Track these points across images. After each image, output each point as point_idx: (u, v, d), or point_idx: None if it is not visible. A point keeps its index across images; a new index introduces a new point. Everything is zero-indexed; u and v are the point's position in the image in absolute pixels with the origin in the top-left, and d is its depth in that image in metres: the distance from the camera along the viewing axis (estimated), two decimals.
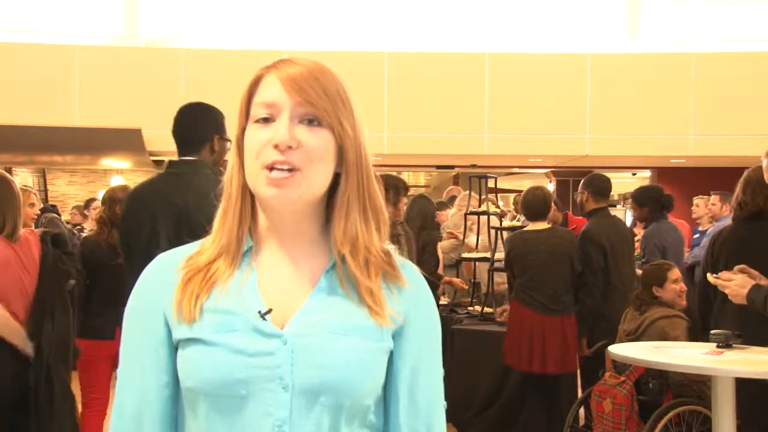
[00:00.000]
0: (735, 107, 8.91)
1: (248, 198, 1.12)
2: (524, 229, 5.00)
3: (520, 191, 12.62)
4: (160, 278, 1.13)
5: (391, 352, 1.13)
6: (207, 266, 1.11)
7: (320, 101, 1.08)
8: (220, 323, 1.07)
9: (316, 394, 1.06)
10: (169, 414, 1.12)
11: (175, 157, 2.93)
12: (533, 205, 4.80)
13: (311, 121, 1.08)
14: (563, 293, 4.66)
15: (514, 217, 9.63)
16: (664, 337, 4.00)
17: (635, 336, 4.14)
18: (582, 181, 5.05)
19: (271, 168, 1.06)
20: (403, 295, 1.14)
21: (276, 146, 1.06)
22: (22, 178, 11.74)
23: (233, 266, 1.11)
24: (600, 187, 4.99)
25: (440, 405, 1.18)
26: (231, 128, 1.15)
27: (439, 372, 1.19)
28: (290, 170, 1.06)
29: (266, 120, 1.08)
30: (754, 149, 3.64)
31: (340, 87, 1.11)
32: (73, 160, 10.97)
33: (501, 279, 5.77)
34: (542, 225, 4.80)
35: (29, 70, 8.72)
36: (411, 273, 1.17)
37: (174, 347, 1.11)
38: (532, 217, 4.83)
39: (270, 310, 1.08)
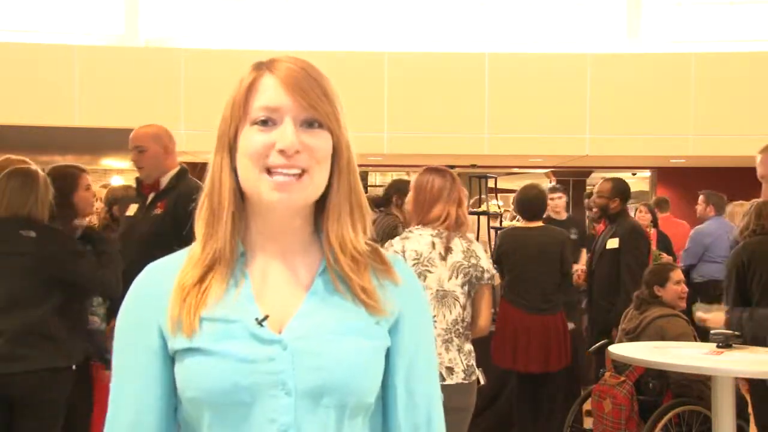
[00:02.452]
0: (735, 107, 8.90)
1: (240, 202, 1.11)
2: (517, 226, 5.00)
3: None
4: (153, 289, 1.12)
5: (388, 348, 1.13)
6: (202, 278, 1.10)
7: (322, 104, 1.08)
8: (219, 332, 1.06)
9: (319, 396, 1.06)
10: (164, 427, 1.11)
11: None
12: (529, 204, 4.80)
13: (312, 124, 1.08)
14: (551, 293, 4.65)
15: (513, 217, 9.64)
16: (662, 336, 4.01)
17: (634, 335, 4.15)
18: (611, 186, 5.10)
19: (273, 172, 1.06)
20: (395, 290, 1.15)
21: (282, 152, 1.05)
22: None
23: (228, 274, 1.10)
24: (628, 194, 5.20)
25: (437, 396, 1.19)
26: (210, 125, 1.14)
27: (435, 364, 1.21)
28: (297, 174, 1.06)
29: (265, 122, 1.08)
30: (754, 149, 3.65)
31: (332, 86, 1.11)
32: (73, 160, 10.94)
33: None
34: (535, 223, 4.80)
35: (29, 70, 8.71)
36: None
37: (169, 359, 1.10)
38: (528, 216, 4.83)
39: (267, 317, 1.08)
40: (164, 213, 3.51)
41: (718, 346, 3.51)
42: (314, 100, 1.07)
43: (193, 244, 1.15)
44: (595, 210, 5.27)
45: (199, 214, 1.14)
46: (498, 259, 4.90)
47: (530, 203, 4.79)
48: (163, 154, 3.62)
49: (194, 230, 1.14)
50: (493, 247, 5.72)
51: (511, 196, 11.06)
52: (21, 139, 9.16)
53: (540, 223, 4.83)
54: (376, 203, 5.90)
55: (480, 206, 5.98)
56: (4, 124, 8.31)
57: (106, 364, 3.59)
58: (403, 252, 3.11)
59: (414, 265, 3.08)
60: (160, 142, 3.63)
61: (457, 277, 3.14)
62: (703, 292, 6.54)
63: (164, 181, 3.62)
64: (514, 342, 4.60)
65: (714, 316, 3.32)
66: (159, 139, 3.64)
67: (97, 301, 3.64)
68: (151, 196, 3.64)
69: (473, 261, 3.17)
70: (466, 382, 3.10)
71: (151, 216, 3.56)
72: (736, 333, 3.60)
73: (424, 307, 1.20)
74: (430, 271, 3.11)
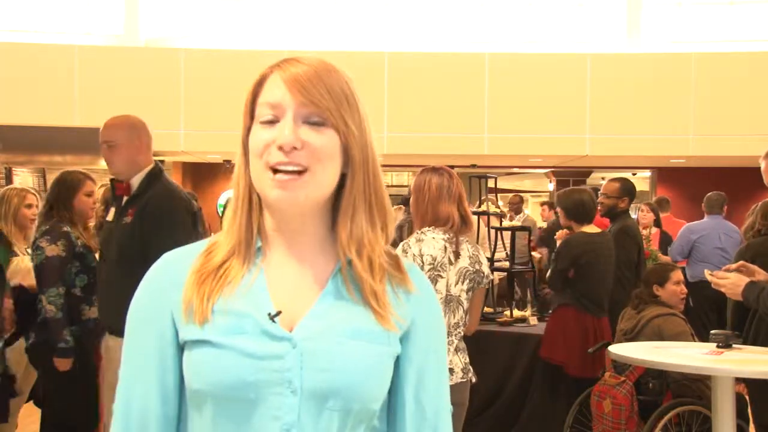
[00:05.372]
0: (735, 107, 8.90)
1: (255, 198, 1.12)
2: (583, 232, 4.70)
3: (520, 191, 12.58)
4: (168, 278, 1.12)
5: (398, 356, 1.12)
6: (219, 267, 1.10)
7: (323, 101, 1.07)
8: (230, 325, 1.06)
9: (324, 398, 1.05)
10: (174, 416, 1.12)
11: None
12: (582, 209, 4.66)
13: (315, 121, 1.08)
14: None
15: (513, 218, 9.64)
16: (660, 335, 4.01)
17: (632, 335, 4.15)
18: (620, 186, 5.13)
19: (275, 170, 1.06)
20: (409, 299, 1.14)
21: (280, 147, 1.05)
22: (22, 178, 11.73)
23: (244, 267, 1.10)
24: (634, 194, 5.22)
25: (446, 408, 1.18)
26: (237, 128, 1.15)
27: (445, 375, 1.19)
28: (298, 172, 1.06)
29: (270, 121, 1.08)
30: (754, 149, 3.66)
31: (345, 86, 1.10)
32: (73, 160, 10.95)
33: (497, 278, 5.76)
34: (592, 228, 4.70)
35: (29, 70, 8.72)
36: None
37: (180, 348, 1.10)
38: (580, 220, 4.69)
39: (279, 312, 1.07)
40: (132, 222, 3.13)
41: (718, 346, 3.51)
42: (315, 97, 1.07)
43: (218, 233, 1.16)
44: (600, 209, 5.26)
45: (227, 213, 1.15)
46: (572, 266, 4.62)
47: (585, 207, 4.67)
48: (137, 149, 3.20)
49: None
50: (493, 247, 5.71)
51: (510, 195, 11.06)
52: (21, 139, 9.16)
53: (598, 229, 4.75)
54: (403, 202, 5.95)
55: (480, 206, 5.97)
56: (4, 124, 8.32)
57: (58, 352, 3.63)
58: (421, 256, 3.10)
59: (429, 270, 3.08)
60: (133, 136, 3.21)
61: (462, 283, 3.15)
62: (695, 292, 6.56)
63: (135, 183, 3.21)
64: (585, 350, 4.49)
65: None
66: (132, 131, 3.22)
67: (56, 291, 3.65)
68: (124, 200, 3.25)
69: (477, 267, 3.19)
70: (464, 380, 3.13)
71: (121, 224, 3.17)
72: (737, 333, 3.60)
73: (437, 317, 1.18)
74: (441, 276, 3.11)
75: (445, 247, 3.13)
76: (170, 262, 1.15)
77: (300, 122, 1.07)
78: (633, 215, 6.12)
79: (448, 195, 3.20)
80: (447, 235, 3.15)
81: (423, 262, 3.08)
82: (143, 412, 1.10)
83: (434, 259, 3.11)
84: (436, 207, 3.19)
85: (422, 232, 3.18)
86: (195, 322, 1.07)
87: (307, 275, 1.12)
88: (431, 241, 3.13)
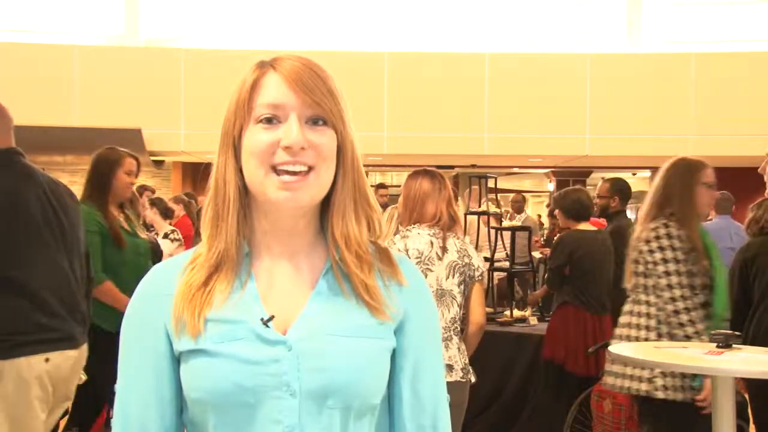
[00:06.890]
0: (735, 107, 8.91)
1: (245, 201, 1.11)
2: (577, 229, 4.76)
3: (520, 191, 12.54)
4: (159, 291, 1.12)
5: (393, 350, 1.13)
6: (207, 279, 1.09)
7: (326, 101, 1.08)
8: (224, 333, 1.06)
9: (323, 397, 1.05)
10: (171, 428, 1.11)
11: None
12: (580, 207, 4.71)
13: (317, 121, 1.08)
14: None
15: (513, 217, 9.63)
16: None
17: None
18: (609, 185, 5.15)
19: (279, 170, 1.06)
20: (401, 291, 1.14)
21: (288, 148, 1.05)
22: None
23: (233, 274, 1.10)
24: (627, 193, 5.20)
25: (443, 398, 1.18)
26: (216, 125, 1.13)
27: (441, 366, 1.20)
28: (302, 172, 1.06)
29: (269, 120, 1.07)
30: (754, 149, 3.66)
31: (337, 84, 1.11)
32: (73, 160, 10.97)
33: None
34: (587, 226, 4.73)
35: (29, 70, 8.72)
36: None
37: (175, 360, 1.10)
38: (579, 218, 4.73)
39: (272, 317, 1.07)
40: None
41: (718, 346, 3.50)
42: (319, 97, 1.07)
43: (198, 244, 1.14)
44: (596, 210, 5.26)
45: (205, 214, 1.13)
46: (567, 263, 4.66)
47: (583, 204, 4.71)
48: None
49: None
50: (493, 247, 5.71)
51: (510, 195, 11.07)
52: (20, 139, 9.17)
53: (593, 226, 4.77)
54: None
55: (480, 206, 5.97)
56: None
57: None
58: (406, 251, 3.12)
59: (417, 264, 3.08)
60: None
61: (453, 276, 3.16)
62: None
63: None
64: (585, 347, 4.48)
65: None
66: None
67: None
68: None
69: (466, 260, 3.20)
70: (464, 380, 3.12)
71: None
72: (737, 333, 3.60)
73: (431, 308, 1.19)
74: (430, 270, 3.13)
75: (432, 242, 3.14)
76: (160, 274, 1.14)
77: (303, 122, 1.07)
78: (632, 216, 6.12)
79: (439, 195, 3.23)
80: (432, 231, 3.17)
81: (410, 257, 3.08)
82: (142, 426, 1.10)
83: (421, 253, 3.12)
84: (425, 204, 3.22)
85: (407, 230, 3.21)
86: (188, 336, 1.07)
87: (298, 276, 1.12)
88: (416, 237, 3.15)
